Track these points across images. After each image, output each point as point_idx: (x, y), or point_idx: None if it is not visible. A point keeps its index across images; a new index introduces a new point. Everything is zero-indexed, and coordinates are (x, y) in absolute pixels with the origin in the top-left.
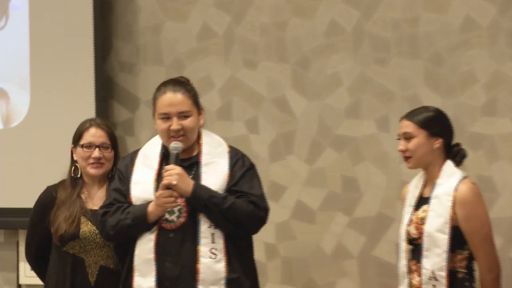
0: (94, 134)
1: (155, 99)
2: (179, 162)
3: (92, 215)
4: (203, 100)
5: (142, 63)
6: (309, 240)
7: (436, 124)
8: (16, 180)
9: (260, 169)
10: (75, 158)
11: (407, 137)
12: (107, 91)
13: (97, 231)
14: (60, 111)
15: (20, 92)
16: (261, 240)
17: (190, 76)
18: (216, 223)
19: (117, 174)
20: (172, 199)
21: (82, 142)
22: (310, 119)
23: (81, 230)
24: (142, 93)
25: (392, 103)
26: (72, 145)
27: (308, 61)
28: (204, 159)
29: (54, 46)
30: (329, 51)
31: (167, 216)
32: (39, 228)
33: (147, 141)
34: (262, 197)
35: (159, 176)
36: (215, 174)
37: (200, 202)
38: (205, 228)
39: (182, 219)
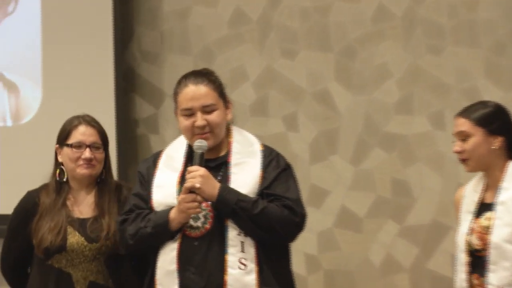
0: (84, 133)
1: (176, 94)
2: (204, 162)
3: (80, 225)
4: (235, 94)
5: (167, 52)
6: (354, 251)
7: (494, 120)
8: (23, 183)
9: (299, 171)
10: (60, 159)
11: (463, 136)
12: (128, 83)
13: (85, 243)
14: (76, 106)
15: (31, 85)
16: (301, 250)
17: (221, 67)
18: (246, 230)
19: (138, 178)
20: (196, 204)
21: (71, 141)
22: (356, 115)
23: (68, 242)
24: (167, 86)
25: (447, 97)
26: (57, 145)
27: (354, 50)
28: (233, 158)
29: (68, 33)
30: (377, 38)
31: (191, 222)
32: (19, 238)
33: (173, 139)
34: (298, 201)
35: (183, 179)
36: (245, 176)
37: (227, 207)
38: (233, 235)
39: (207, 226)
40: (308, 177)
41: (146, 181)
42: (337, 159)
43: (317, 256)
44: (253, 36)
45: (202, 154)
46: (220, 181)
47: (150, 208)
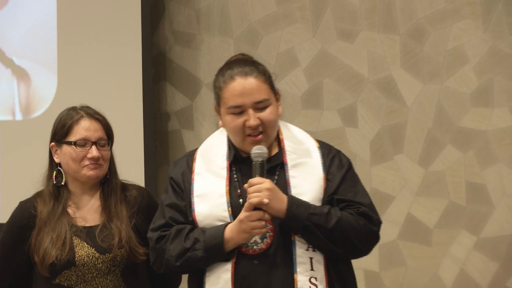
0: (88, 128)
1: (219, 89)
2: (265, 172)
3: (87, 234)
4: (283, 83)
5: (204, 33)
6: (423, 267)
7: None
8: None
9: (358, 173)
10: (57, 160)
11: None
12: (158, 70)
13: (97, 254)
14: (96, 97)
15: (45, 72)
16: (359, 267)
17: (267, 50)
18: (317, 245)
19: (170, 185)
20: (263, 223)
21: (73, 138)
22: (425, 108)
23: (76, 255)
24: (204, 73)
25: None
26: (53, 143)
27: (423, 31)
28: (289, 159)
29: (88, 12)
30: (450, 18)
31: None
32: (15, 258)
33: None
34: (372, 206)
35: (231, 186)
36: (307, 179)
37: (298, 223)
38: (302, 251)
39: (268, 240)
40: (368, 180)
41: (182, 190)
42: (403, 159)
43: (379, 273)
44: (305, 15)
45: (263, 163)
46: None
47: (192, 223)
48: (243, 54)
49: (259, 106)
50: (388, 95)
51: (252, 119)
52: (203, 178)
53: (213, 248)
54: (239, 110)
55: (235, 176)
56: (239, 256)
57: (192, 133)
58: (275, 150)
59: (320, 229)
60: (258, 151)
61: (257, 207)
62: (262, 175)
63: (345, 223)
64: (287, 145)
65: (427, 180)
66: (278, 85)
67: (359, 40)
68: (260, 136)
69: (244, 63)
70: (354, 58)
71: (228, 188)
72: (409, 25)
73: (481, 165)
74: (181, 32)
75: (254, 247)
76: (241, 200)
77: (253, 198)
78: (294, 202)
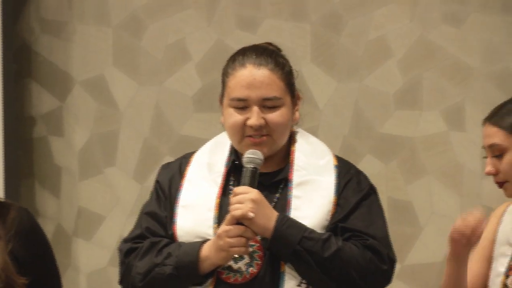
0: None
1: (226, 75)
2: (256, 181)
3: None
4: (173, 80)
5: (77, 21)
6: None
7: None
8: None
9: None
10: None
11: (497, 152)
12: (21, 65)
13: None
14: None
15: None
16: None
17: (153, 42)
18: (310, 279)
19: (155, 190)
20: (244, 240)
21: None
22: (341, 110)
23: None
24: (76, 69)
25: (468, 83)
26: None
27: (339, 18)
28: (296, 175)
29: None
30: (371, 3)
31: (231, 262)
32: None
33: (84, 143)
34: (386, 240)
35: (225, 198)
36: (312, 201)
37: (287, 247)
38: (291, 285)
39: (254, 269)
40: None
41: (167, 196)
42: None
43: None
44: None
45: (255, 170)
46: (275, 207)
47: (171, 237)
48: (269, 43)
49: (267, 104)
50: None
51: (255, 117)
52: (193, 186)
53: (186, 267)
54: (243, 105)
55: (231, 187)
56: (217, 283)
57: (62, 140)
58: (283, 163)
59: (314, 258)
60: (251, 155)
61: (239, 222)
62: (252, 185)
63: (346, 254)
64: (298, 158)
65: None
66: (165, 83)
67: (263, 30)
68: (263, 139)
69: (263, 51)
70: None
71: (219, 201)
72: (323, 12)
73: (406, 178)
74: (49, 20)
75: (237, 275)
76: None
77: (235, 210)
78: (286, 221)
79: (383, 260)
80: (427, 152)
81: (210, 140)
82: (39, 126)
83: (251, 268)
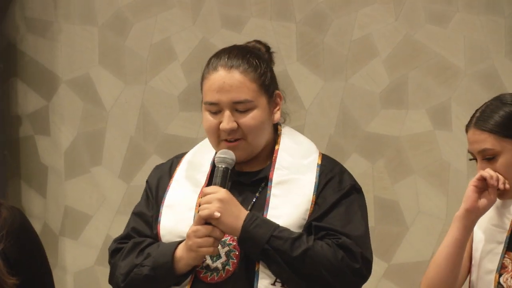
0: None
1: (202, 79)
2: (228, 181)
3: None
4: (158, 79)
5: (63, 20)
6: None
7: None
8: None
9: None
10: None
11: (488, 156)
12: (7, 64)
13: None
14: None
15: None
16: None
17: (138, 41)
18: (282, 278)
19: (145, 190)
20: (211, 240)
21: None
22: (326, 109)
23: None
24: (62, 68)
25: (454, 82)
26: None
27: (324, 18)
28: (277, 174)
29: None
30: (356, 1)
31: (208, 261)
32: None
33: (70, 142)
34: (361, 240)
35: None
36: (290, 200)
37: (256, 246)
38: (265, 284)
39: (230, 268)
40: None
41: (154, 197)
42: None
43: None
44: None
45: (226, 170)
46: (253, 206)
47: (156, 237)
48: (258, 41)
49: (239, 108)
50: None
51: (226, 121)
52: (179, 186)
53: (161, 267)
54: (216, 109)
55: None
56: (195, 282)
57: (49, 140)
58: (266, 162)
59: (283, 257)
60: (222, 155)
61: (208, 222)
62: (222, 185)
63: (316, 253)
64: (281, 157)
65: None
66: (151, 82)
67: (248, 29)
68: (237, 143)
69: (237, 52)
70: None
71: (200, 200)
72: (308, 11)
73: (393, 177)
74: (35, 19)
75: (214, 274)
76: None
77: (202, 210)
78: (254, 220)
79: (355, 259)
80: (413, 151)
81: (200, 142)
82: (25, 125)
83: (227, 267)
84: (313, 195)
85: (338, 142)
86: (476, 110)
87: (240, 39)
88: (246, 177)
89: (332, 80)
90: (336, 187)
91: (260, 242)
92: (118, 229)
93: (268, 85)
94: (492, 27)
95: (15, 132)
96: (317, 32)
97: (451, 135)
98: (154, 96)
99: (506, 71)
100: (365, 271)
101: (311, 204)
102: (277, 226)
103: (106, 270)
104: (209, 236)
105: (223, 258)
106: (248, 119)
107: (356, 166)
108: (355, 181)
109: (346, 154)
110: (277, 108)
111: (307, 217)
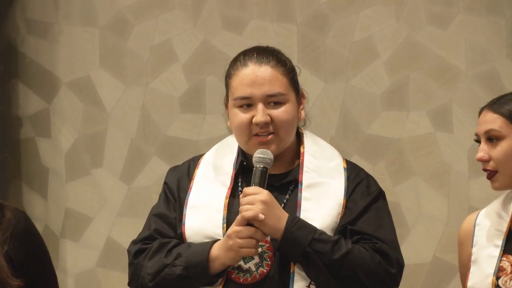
0: None
1: (229, 77)
2: (265, 181)
3: None
4: (159, 81)
5: (64, 22)
6: None
7: None
8: None
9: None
10: None
11: (492, 136)
12: (8, 66)
13: None
14: None
15: None
16: None
17: (139, 43)
18: (319, 281)
19: (164, 192)
20: (254, 241)
21: None
22: (330, 111)
23: None
24: (63, 70)
25: (454, 85)
26: None
27: (325, 19)
28: (306, 177)
29: None
30: (356, 3)
31: (240, 262)
32: None
33: (71, 144)
34: (394, 244)
35: (234, 199)
36: (322, 203)
37: (297, 248)
38: (301, 286)
39: (264, 269)
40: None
41: (175, 199)
42: None
43: None
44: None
45: (265, 170)
46: (284, 208)
47: (180, 237)
48: (271, 47)
49: (272, 101)
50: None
51: (261, 114)
52: (202, 188)
53: (195, 266)
54: (247, 102)
55: (240, 188)
56: (227, 282)
57: (49, 142)
58: (292, 165)
59: (324, 259)
60: (261, 155)
61: (250, 223)
62: (261, 185)
63: (355, 257)
64: (308, 160)
65: None
66: (152, 84)
67: (249, 31)
68: (270, 137)
69: (264, 49)
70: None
71: (227, 201)
72: (309, 13)
73: (394, 179)
74: (35, 21)
75: (247, 275)
76: None
77: (246, 211)
78: (296, 222)
79: (392, 264)
80: (414, 153)
81: (218, 143)
82: (26, 127)
83: (261, 268)
84: (344, 199)
85: (339, 144)
86: (496, 97)
87: (241, 41)
88: (275, 179)
89: (333, 81)
90: (364, 191)
91: (302, 244)
92: (119, 231)
93: (296, 81)
94: (493, 29)
95: (15, 134)
96: (318, 33)
97: (452, 137)
98: (155, 98)
99: (507, 72)
100: (399, 276)
101: (342, 207)
102: (316, 229)
103: (107, 272)
104: (251, 237)
105: (256, 259)
106: (281, 112)
107: None
108: (379, 186)
109: (347, 156)
110: (302, 107)
111: (338, 221)
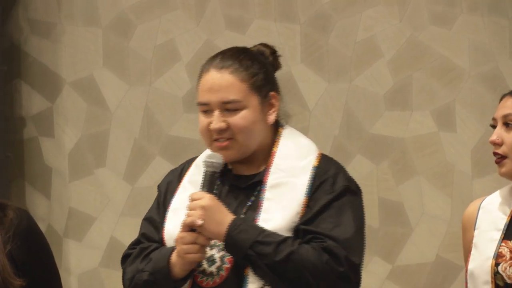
0: None
1: (198, 81)
2: (213, 186)
3: None
4: (162, 81)
5: (67, 22)
6: None
7: None
8: None
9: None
10: None
11: (509, 122)
12: (11, 65)
13: None
14: None
15: None
16: None
17: (142, 42)
18: (267, 282)
19: (156, 195)
20: (197, 247)
21: None
22: (330, 111)
23: None
24: (66, 70)
25: (457, 85)
26: None
27: (328, 19)
28: (272, 178)
29: None
30: (359, 4)
31: (205, 266)
32: None
33: (75, 144)
34: (349, 242)
35: None
36: (282, 204)
37: (239, 252)
38: None
39: (224, 273)
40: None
41: (163, 202)
42: None
43: None
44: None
45: (212, 174)
46: (248, 209)
47: (162, 241)
48: (263, 44)
49: (228, 107)
50: (286, 96)
51: (216, 121)
52: (184, 190)
53: (159, 272)
54: (206, 108)
55: (215, 190)
56: (193, 286)
57: (53, 141)
58: (264, 165)
59: (266, 261)
60: (209, 159)
61: (193, 228)
62: (209, 189)
63: (300, 257)
64: (278, 160)
65: None
66: (155, 83)
67: (252, 31)
68: (227, 143)
69: (231, 53)
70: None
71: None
72: (312, 13)
73: (397, 179)
74: (38, 21)
75: (209, 279)
76: None
77: (187, 217)
78: (238, 226)
79: (340, 263)
80: (418, 152)
81: None
82: (29, 127)
83: (221, 272)
84: (305, 197)
85: (343, 144)
86: None
87: (244, 41)
88: (242, 180)
89: (336, 81)
90: (328, 189)
91: (243, 248)
92: (122, 231)
93: (261, 85)
94: (496, 29)
95: (19, 134)
96: (321, 33)
97: (456, 137)
98: (158, 97)
99: (510, 72)
100: (351, 275)
101: (302, 207)
102: (263, 231)
103: (110, 272)
104: (194, 243)
105: (218, 263)
106: (237, 118)
107: (361, 168)
108: (351, 181)
109: (351, 156)
110: (273, 110)
111: (298, 220)
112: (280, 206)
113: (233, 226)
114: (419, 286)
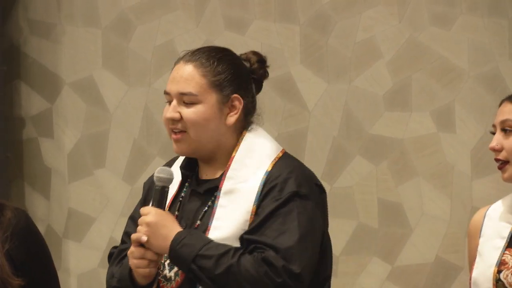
0: None
1: None
2: (164, 200)
3: None
4: (162, 81)
5: (67, 22)
6: None
7: None
8: None
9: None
10: None
11: (507, 127)
12: (10, 66)
13: None
14: None
15: None
16: None
17: (142, 43)
18: None
19: (142, 193)
20: (146, 262)
21: None
22: (330, 112)
23: None
24: (66, 70)
25: (457, 85)
26: None
27: (328, 20)
28: (226, 184)
29: None
30: (359, 4)
31: (166, 271)
32: None
33: (74, 144)
34: (290, 251)
35: (173, 205)
36: (233, 211)
37: (182, 265)
38: None
39: (179, 279)
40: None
41: (142, 201)
42: None
43: None
44: (187, 0)
45: (161, 190)
46: (204, 216)
47: None
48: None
49: (184, 100)
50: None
51: (170, 110)
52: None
53: (124, 279)
54: (168, 99)
55: (183, 193)
56: None
57: (52, 142)
58: (222, 170)
59: (207, 274)
60: (160, 174)
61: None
62: (158, 204)
63: (240, 270)
64: (234, 165)
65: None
66: (155, 84)
67: (251, 31)
68: (179, 136)
69: (204, 50)
70: (246, 51)
71: (169, 205)
72: (311, 13)
73: (396, 179)
74: (38, 21)
75: (169, 284)
76: None
77: (134, 233)
78: (180, 241)
79: (277, 273)
80: (417, 153)
81: None
82: (28, 127)
83: (177, 277)
84: (254, 205)
85: (342, 144)
86: None
87: (244, 41)
88: (202, 186)
89: (336, 82)
90: (275, 195)
91: (186, 261)
92: (122, 232)
93: (223, 84)
94: (496, 29)
95: (18, 134)
96: (320, 34)
97: (455, 137)
98: (157, 98)
99: (510, 73)
100: (291, 284)
101: (251, 214)
102: (207, 243)
103: None
104: (143, 258)
105: (175, 268)
106: (189, 112)
107: (360, 168)
108: (302, 186)
109: (350, 156)
110: (234, 112)
111: (247, 228)
112: (231, 214)
113: (175, 240)
114: (419, 286)
